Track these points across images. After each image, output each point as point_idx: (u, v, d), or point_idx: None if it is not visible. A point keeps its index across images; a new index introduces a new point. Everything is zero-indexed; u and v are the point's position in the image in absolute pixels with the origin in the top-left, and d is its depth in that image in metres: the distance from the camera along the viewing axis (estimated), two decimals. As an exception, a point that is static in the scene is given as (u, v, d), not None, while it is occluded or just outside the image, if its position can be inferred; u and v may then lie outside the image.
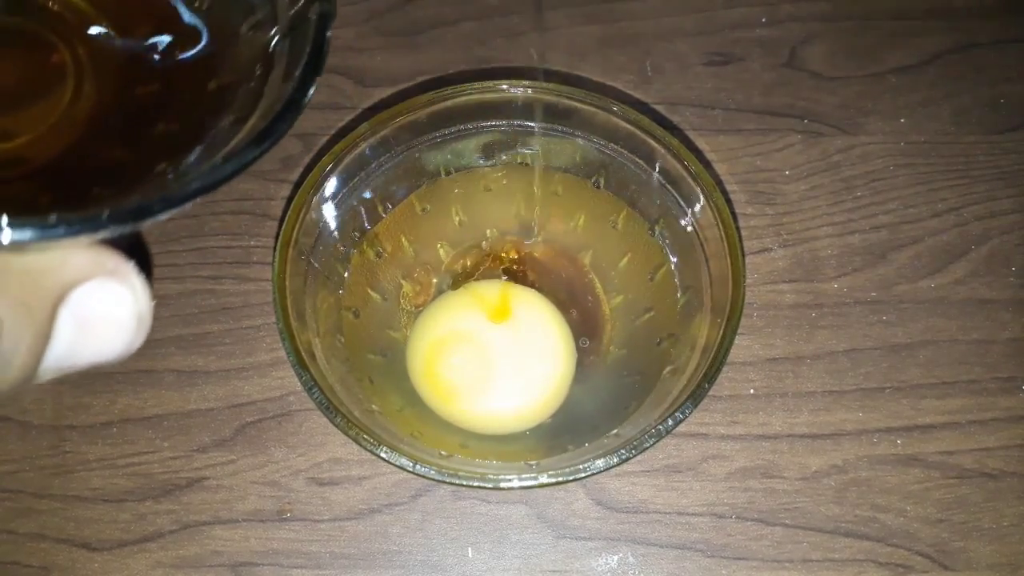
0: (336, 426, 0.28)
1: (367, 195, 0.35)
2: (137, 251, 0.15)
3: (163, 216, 0.13)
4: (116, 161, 0.16)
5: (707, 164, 0.41)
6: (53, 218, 0.12)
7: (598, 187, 0.36)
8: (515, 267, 0.37)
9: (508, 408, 0.33)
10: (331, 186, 0.33)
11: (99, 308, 0.14)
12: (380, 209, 0.35)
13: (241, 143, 0.15)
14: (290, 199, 0.39)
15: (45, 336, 0.13)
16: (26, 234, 0.12)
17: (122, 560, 0.33)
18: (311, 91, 0.15)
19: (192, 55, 0.17)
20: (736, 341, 0.30)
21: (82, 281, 0.14)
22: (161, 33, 0.17)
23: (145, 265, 0.17)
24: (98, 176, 0.16)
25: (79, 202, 0.15)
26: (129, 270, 0.14)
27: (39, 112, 0.17)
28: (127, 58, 0.17)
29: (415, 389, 0.34)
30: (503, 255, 0.37)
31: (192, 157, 0.16)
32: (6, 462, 0.35)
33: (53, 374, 0.14)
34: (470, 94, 0.34)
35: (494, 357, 0.33)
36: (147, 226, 0.14)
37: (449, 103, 0.34)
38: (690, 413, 0.28)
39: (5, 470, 0.35)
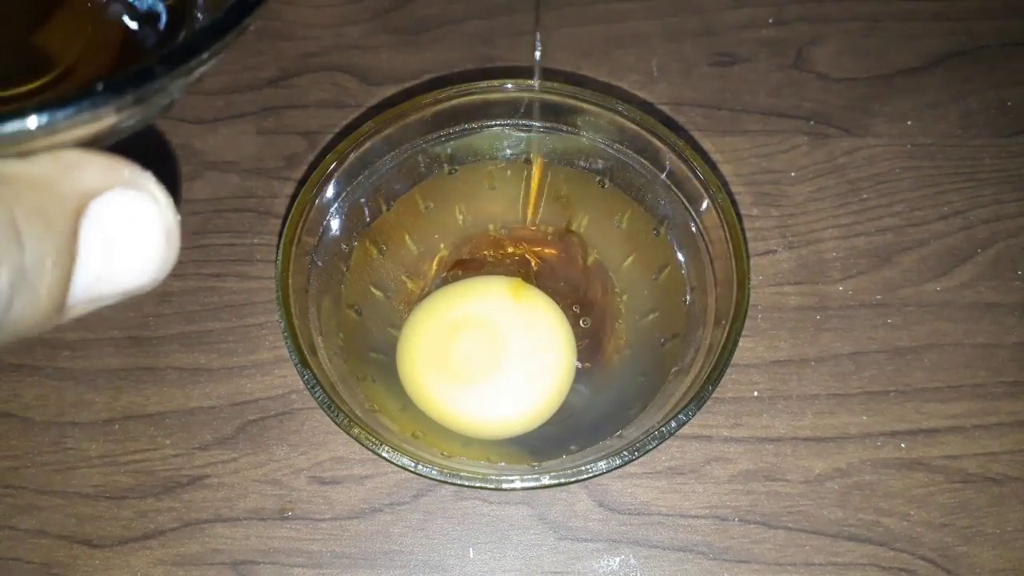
0: (338, 425, 0.28)
1: (371, 193, 0.35)
2: (156, 164, 0.13)
3: (173, 84, 0.12)
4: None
5: (713, 165, 0.41)
6: (57, 99, 0.11)
7: (603, 186, 0.36)
8: (518, 265, 0.37)
9: (509, 409, 0.33)
10: (335, 184, 0.33)
11: (123, 222, 0.13)
12: (384, 207, 0.35)
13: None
14: (294, 197, 0.39)
15: (70, 254, 0.12)
16: (40, 119, 0.11)
17: (123, 557, 0.33)
18: None
19: None
20: (740, 343, 0.30)
21: (99, 192, 0.12)
22: None
23: (168, 180, 0.16)
24: None
25: None
26: (148, 179, 0.13)
27: (69, 35, 0.17)
28: None
29: (409, 389, 0.34)
30: (506, 253, 0.37)
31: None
32: (7, 458, 0.35)
33: (86, 305, 0.13)
34: (475, 93, 0.34)
35: (501, 346, 0.33)
36: (161, 110, 0.13)
37: (454, 102, 0.34)
38: (693, 415, 0.28)
39: (7, 466, 0.35)
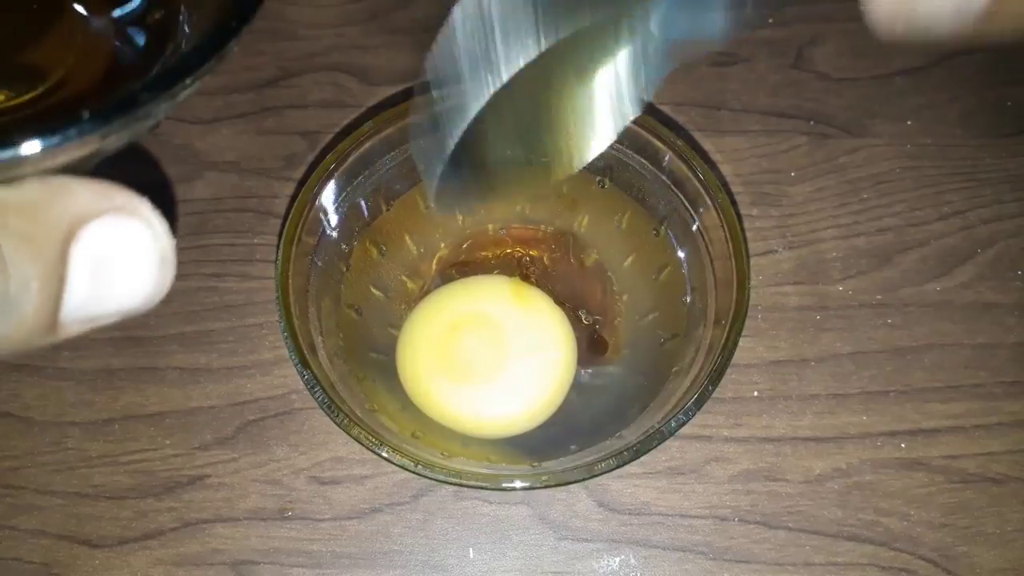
0: (338, 425, 0.28)
1: (371, 193, 0.35)
2: (151, 191, 0.14)
3: (157, 109, 0.13)
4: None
5: (713, 165, 0.41)
6: (47, 126, 0.11)
7: (603, 186, 0.36)
8: (518, 265, 0.37)
9: (509, 409, 0.33)
10: (335, 184, 0.33)
11: (116, 247, 0.13)
12: (383, 207, 0.35)
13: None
14: (294, 197, 0.39)
15: (58, 276, 0.13)
16: (24, 148, 0.11)
17: (123, 557, 0.33)
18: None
19: None
20: (740, 343, 0.30)
21: (90, 217, 0.13)
22: None
23: (164, 206, 0.16)
24: None
25: None
26: (142, 204, 0.13)
27: (60, 47, 0.17)
28: None
29: (409, 388, 0.34)
30: (506, 253, 0.37)
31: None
32: (8, 458, 0.35)
33: (81, 325, 0.14)
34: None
35: (500, 346, 0.33)
36: (146, 132, 0.13)
37: (454, 102, 0.34)
38: (693, 415, 0.28)
39: (7, 466, 0.35)
